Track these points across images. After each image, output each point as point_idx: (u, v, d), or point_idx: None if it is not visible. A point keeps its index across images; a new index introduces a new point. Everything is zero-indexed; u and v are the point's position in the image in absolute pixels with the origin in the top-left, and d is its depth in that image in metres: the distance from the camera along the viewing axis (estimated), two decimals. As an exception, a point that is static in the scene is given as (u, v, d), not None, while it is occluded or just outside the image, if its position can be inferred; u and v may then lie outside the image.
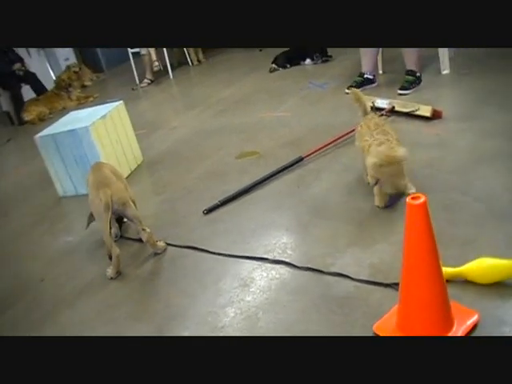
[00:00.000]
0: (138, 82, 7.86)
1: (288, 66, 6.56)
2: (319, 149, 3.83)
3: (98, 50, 9.76)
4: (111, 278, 3.05)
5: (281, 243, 2.94)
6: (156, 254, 3.16)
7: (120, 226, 3.51)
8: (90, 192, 3.13)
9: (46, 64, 9.47)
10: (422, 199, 1.94)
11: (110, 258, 3.05)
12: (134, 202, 3.16)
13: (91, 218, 3.30)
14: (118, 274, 3.07)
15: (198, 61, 8.18)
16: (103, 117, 4.35)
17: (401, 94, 4.62)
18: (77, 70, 8.21)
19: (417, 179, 3.17)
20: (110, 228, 3.05)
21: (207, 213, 3.44)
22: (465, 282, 2.28)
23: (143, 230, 3.09)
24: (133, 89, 7.69)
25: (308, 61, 6.45)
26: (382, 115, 4.17)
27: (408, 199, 1.96)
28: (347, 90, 5.03)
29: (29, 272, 3.46)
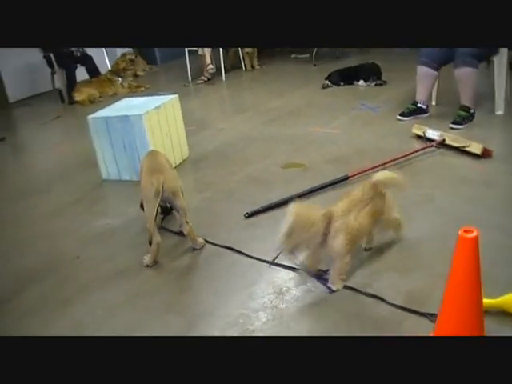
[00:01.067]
0: (190, 79, 7.95)
1: (341, 84, 6.58)
2: (366, 170, 3.83)
3: (155, 43, 9.87)
4: (147, 266, 3.10)
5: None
6: (194, 249, 3.19)
7: (163, 218, 3.56)
8: (142, 177, 3.15)
9: (103, 49, 9.61)
10: (475, 233, 1.95)
11: (150, 244, 3.08)
12: (182, 193, 3.19)
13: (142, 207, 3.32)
14: (155, 262, 3.11)
15: (252, 67, 8.25)
16: (157, 107, 4.41)
17: (452, 128, 4.60)
18: (132, 57, 8.31)
19: (458, 214, 3.18)
20: (156, 215, 3.08)
21: (248, 216, 3.47)
22: (503, 314, 2.29)
23: (186, 222, 3.12)
24: (184, 85, 7.78)
25: (362, 82, 6.45)
26: (432, 146, 4.18)
27: (461, 232, 1.96)
28: (399, 117, 5.04)
29: (65, 249, 3.52)
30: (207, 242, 3.24)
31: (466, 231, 1.96)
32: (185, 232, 3.16)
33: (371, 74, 6.42)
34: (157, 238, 3.08)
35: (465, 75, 4.60)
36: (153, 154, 3.39)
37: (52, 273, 3.22)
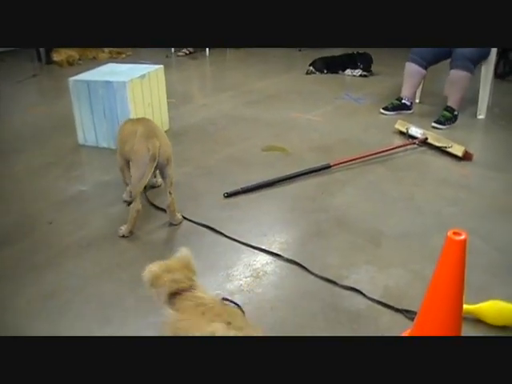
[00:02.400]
0: (173, 50, 7.82)
1: (325, 71, 6.55)
2: (348, 161, 3.83)
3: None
4: (123, 236, 3.04)
5: (297, 244, 2.94)
6: (171, 224, 3.14)
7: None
8: (135, 141, 3.02)
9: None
10: (463, 236, 1.94)
11: (129, 204, 3.02)
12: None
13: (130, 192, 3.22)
14: (131, 233, 3.06)
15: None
16: (142, 76, 4.32)
17: (434, 127, 4.63)
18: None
19: (437, 214, 3.20)
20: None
21: (227, 196, 3.43)
22: (476, 321, 2.31)
23: (170, 193, 3.07)
24: (167, 56, 7.66)
25: (348, 71, 6.43)
26: (414, 143, 4.19)
27: (449, 233, 1.96)
28: (382, 110, 5.04)
29: (37, 213, 3.41)
30: (185, 218, 3.19)
31: (454, 233, 1.96)
32: (166, 203, 3.11)
33: (362, 62, 6.39)
34: (138, 204, 3.02)
35: (460, 78, 4.62)
36: (146, 119, 3.33)
37: (23, 237, 3.12)
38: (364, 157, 3.90)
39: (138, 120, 3.32)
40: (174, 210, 3.12)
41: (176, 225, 3.14)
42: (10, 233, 3.17)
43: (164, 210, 3.19)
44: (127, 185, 3.32)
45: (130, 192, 3.15)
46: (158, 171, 3.18)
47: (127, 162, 3.15)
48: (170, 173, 3.07)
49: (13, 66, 7.68)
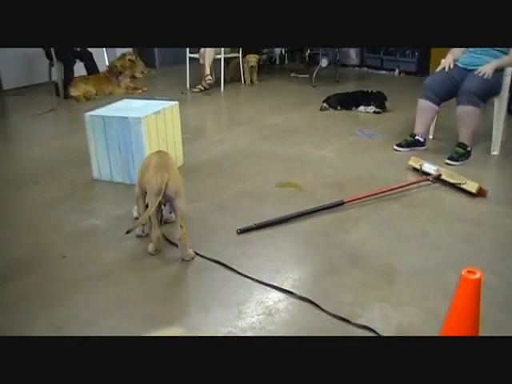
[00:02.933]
0: (188, 86, 7.92)
1: (339, 108, 6.59)
2: (362, 197, 3.82)
3: (155, 46, 9.90)
4: (151, 254, 3.22)
5: (310, 281, 2.92)
6: (183, 260, 3.14)
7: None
8: (149, 171, 3.12)
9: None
10: (478, 275, 1.93)
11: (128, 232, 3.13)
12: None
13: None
14: (158, 251, 3.23)
15: (251, 81, 8.24)
16: (157, 112, 4.37)
17: (448, 164, 4.61)
18: (132, 58, 8.25)
19: (451, 251, 3.17)
20: (159, 210, 3.21)
21: (240, 232, 3.42)
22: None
23: (181, 226, 3.09)
24: (182, 92, 7.75)
25: (361, 108, 6.47)
26: (428, 180, 4.18)
27: (464, 272, 1.94)
28: (396, 147, 5.05)
29: (50, 245, 3.43)
30: (197, 254, 3.19)
31: (469, 272, 1.94)
32: (176, 236, 3.14)
33: (375, 100, 6.42)
34: (157, 231, 3.16)
35: (467, 113, 4.62)
36: (163, 152, 3.42)
37: (35, 269, 3.13)
38: (378, 193, 3.89)
39: (156, 152, 3.40)
40: (185, 243, 3.13)
41: (188, 260, 3.14)
42: (23, 264, 3.19)
43: (176, 245, 3.20)
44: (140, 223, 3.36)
45: (143, 225, 3.31)
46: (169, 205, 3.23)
47: (144, 194, 3.22)
48: (180, 206, 3.10)
49: (32, 99, 7.84)
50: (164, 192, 3.02)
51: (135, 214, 3.61)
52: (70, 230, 3.62)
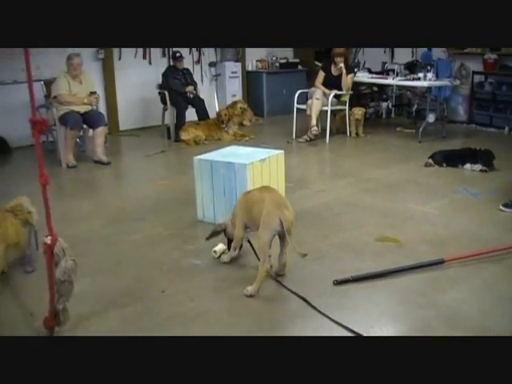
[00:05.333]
0: (294, 136, 8.08)
1: (444, 164, 6.47)
2: (464, 257, 3.73)
3: (264, 96, 10.21)
4: (250, 296, 3.29)
5: (404, 339, 2.87)
6: (278, 302, 3.25)
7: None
8: (267, 207, 3.34)
9: (214, 94, 10.00)
10: None
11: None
12: None
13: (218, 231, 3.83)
14: (257, 292, 3.32)
15: (357, 134, 8.27)
16: (262, 160, 4.50)
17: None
18: (244, 106, 8.55)
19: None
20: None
21: (337, 284, 3.43)
22: None
23: (285, 253, 3.45)
24: (288, 141, 7.90)
25: (468, 165, 6.31)
26: None
27: None
28: (502, 207, 4.88)
29: (151, 280, 3.60)
30: (304, 300, 3.24)
31: None
32: (282, 261, 3.50)
33: (482, 158, 6.26)
34: (267, 264, 3.33)
35: None
36: (270, 188, 3.67)
37: (136, 301, 3.29)
38: (480, 254, 3.78)
39: (264, 188, 3.63)
40: (285, 265, 3.53)
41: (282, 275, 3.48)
42: (125, 296, 3.36)
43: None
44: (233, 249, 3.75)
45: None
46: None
47: (245, 228, 3.57)
48: (292, 239, 3.28)
49: (145, 141, 8.33)
50: (282, 227, 3.25)
51: (217, 255, 3.86)
52: (171, 266, 3.78)
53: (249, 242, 3.79)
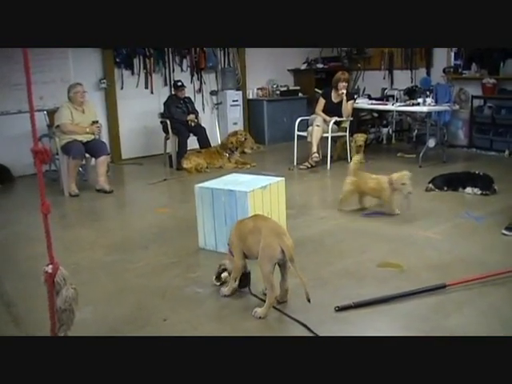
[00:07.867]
0: (295, 163, 8.12)
1: (445, 188, 6.48)
2: (466, 281, 3.72)
3: (265, 123, 10.29)
4: (260, 318, 3.35)
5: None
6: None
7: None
8: (267, 237, 3.35)
9: (216, 122, 10.08)
10: None
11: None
12: None
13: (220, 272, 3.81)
14: (266, 316, 3.36)
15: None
16: (263, 187, 4.52)
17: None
18: (246, 137, 8.66)
19: None
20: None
21: (339, 310, 3.42)
22: None
23: (286, 279, 3.47)
24: (289, 168, 7.93)
25: (469, 189, 6.32)
26: None
27: None
28: (504, 231, 4.87)
29: (153, 308, 3.60)
30: (304, 325, 3.25)
31: None
32: (283, 286, 3.50)
33: (482, 182, 6.27)
34: (276, 291, 3.40)
35: None
36: (264, 217, 3.71)
37: (137, 330, 3.28)
38: (483, 277, 3.77)
39: (258, 217, 3.65)
40: (287, 291, 3.53)
41: (285, 301, 3.52)
42: (127, 324, 3.37)
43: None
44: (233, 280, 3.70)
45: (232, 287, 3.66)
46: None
47: (243, 256, 3.56)
48: (295, 265, 3.29)
49: (148, 169, 8.39)
50: (283, 255, 3.28)
51: (226, 292, 3.73)
52: (173, 295, 3.78)
53: (249, 273, 3.74)
